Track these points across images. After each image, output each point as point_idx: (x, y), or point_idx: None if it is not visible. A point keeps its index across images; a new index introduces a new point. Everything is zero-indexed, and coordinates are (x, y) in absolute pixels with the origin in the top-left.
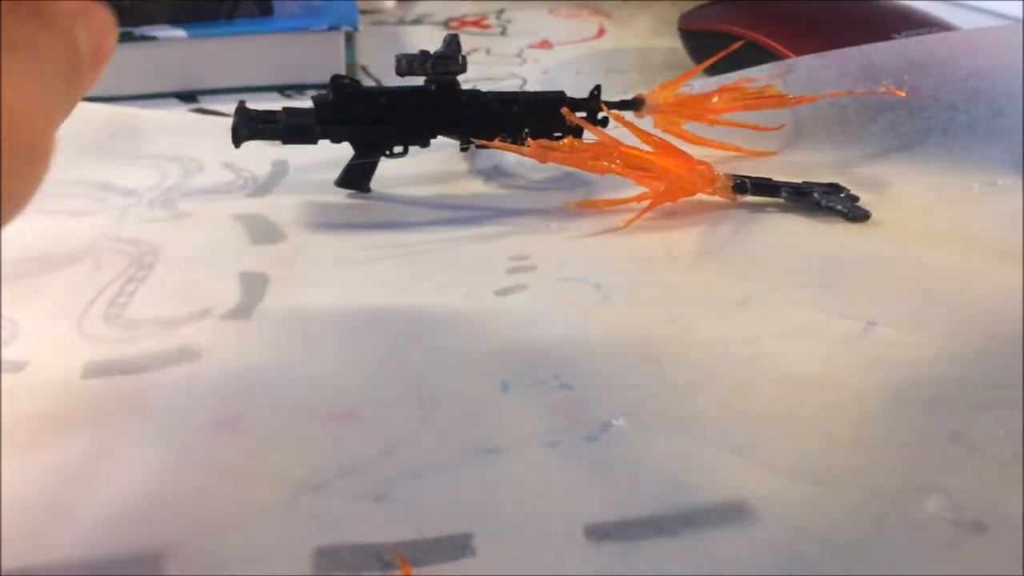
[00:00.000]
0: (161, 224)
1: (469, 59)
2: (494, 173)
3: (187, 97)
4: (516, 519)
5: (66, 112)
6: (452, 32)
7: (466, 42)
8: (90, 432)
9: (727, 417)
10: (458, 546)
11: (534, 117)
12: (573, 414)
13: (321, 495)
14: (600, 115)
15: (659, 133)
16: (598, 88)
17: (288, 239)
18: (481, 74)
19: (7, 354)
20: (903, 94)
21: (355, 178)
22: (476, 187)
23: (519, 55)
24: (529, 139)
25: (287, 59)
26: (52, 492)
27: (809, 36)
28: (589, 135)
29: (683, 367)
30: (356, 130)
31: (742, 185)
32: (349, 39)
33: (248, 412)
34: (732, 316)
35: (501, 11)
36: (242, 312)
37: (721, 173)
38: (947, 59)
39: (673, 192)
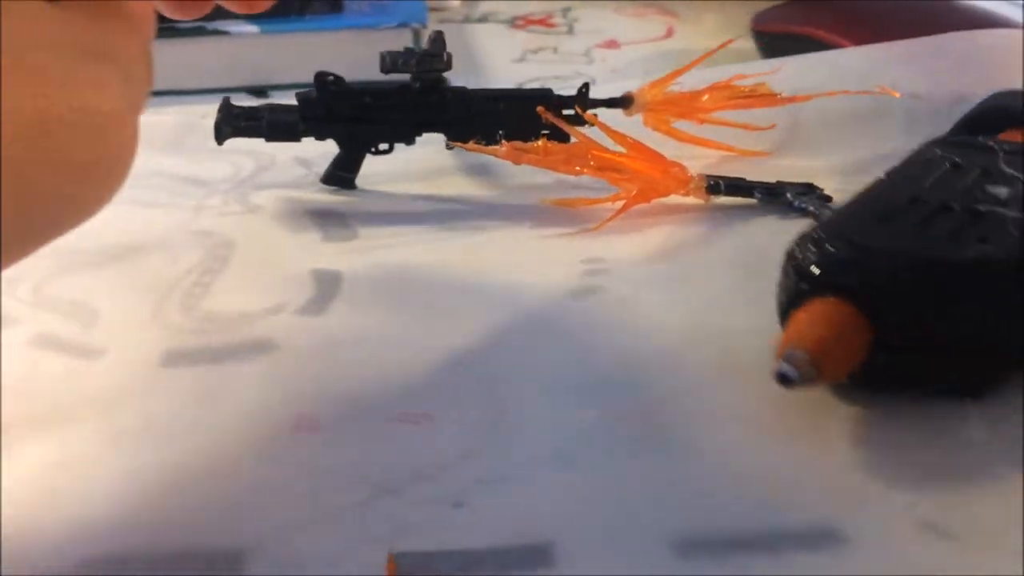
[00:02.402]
0: (235, 217)
1: (535, 57)
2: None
3: (258, 92)
4: (597, 530)
5: (146, 101)
6: (438, 29)
7: (533, 40)
8: (171, 421)
9: (814, 431)
10: (538, 555)
11: (519, 115)
12: (652, 424)
13: (397, 499)
14: (571, 114)
15: (649, 132)
16: (586, 85)
17: (360, 235)
18: (548, 73)
19: (86, 339)
20: (898, 95)
21: (340, 175)
22: (523, 182)
23: (586, 54)
24: (503, 140)
25: (356, 56)
26: (134, 483)
27: (888, 38)
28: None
29: (767, 380)
30: (340, 127)
31: (715, 186)
32: (417, 36)
33: (325, 410)
34: None
35: (567, 9)
36: (316, 308)
37: (694, 174)
38: (943, 59)
39: (646, 193)
